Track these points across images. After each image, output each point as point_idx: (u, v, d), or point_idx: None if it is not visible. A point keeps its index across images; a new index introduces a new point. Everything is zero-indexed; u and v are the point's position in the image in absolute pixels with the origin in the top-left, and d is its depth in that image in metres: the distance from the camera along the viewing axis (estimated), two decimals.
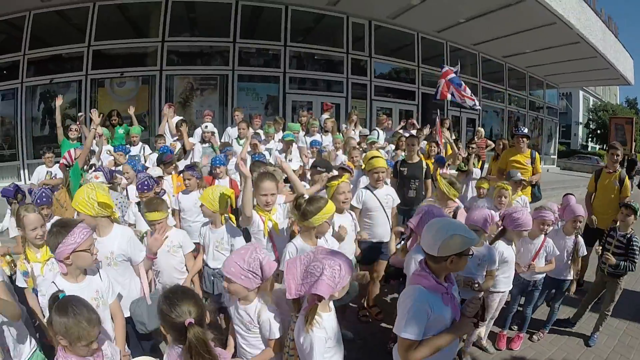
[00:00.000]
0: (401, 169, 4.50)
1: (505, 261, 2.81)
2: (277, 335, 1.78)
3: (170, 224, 2.91)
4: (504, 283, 2.87)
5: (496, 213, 3.07)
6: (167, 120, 5.91)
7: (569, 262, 3.27)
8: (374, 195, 3.34)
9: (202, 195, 2.71)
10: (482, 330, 3.13)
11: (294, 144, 5.31)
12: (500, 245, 2.83)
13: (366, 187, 3.43)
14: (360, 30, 9.99)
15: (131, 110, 6.11)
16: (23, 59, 8.44)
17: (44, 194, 2.89)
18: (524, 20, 9.42)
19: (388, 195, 3.43)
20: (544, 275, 3.18)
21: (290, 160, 4.94)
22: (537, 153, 4.95)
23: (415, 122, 7.31)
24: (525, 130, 4.91)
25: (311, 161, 4.62)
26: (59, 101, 5.72)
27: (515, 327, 3.41)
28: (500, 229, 2.91)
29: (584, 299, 3.61)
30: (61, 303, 1.54)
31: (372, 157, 3.48)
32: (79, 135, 5.60)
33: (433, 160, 5.29)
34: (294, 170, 3.52)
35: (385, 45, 10.32)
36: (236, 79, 8.56)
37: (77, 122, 5.97)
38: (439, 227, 1.64)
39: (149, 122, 7.95)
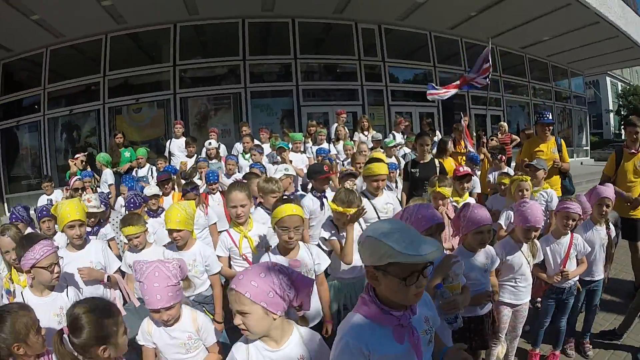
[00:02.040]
0: (412, 170, 4.10)
1: (511, 267, 2.40)
2: None
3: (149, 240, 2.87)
4: (512, 293, 2.44)
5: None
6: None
7: (600, 257, 2.77)
8: (371, 204, 2.97)
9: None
10: (500, 349, 2.64)
11: (289, 153, 5.22)
12: (498, 246, 2.44)
13: (363, 194, 3.03)
14: (371, 35, 9.77)
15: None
16: (44, 92, 8.76)
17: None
18: (538, 6, 8.94)
19: (388, 204, 3.06)
20: (577, 279, 2.68)
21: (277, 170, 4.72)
22: (562, 140, 4.51)
23: (403, 120, 7.20)
24: (550, 117, 4.46)
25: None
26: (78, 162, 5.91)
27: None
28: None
29: (632, 304, 3.03)
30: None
31: (372, 162, 3.14)
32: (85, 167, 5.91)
33: (465, 159, 4.96)
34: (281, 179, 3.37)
35: (398, 49, 10.04)
36: (249, 96, 8.54)
37: (85, 153, 6.32)
38: (373, 232, 1.16)
39: (165, 148, 8.00)
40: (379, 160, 3.26)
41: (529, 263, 2.47)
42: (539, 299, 3.00)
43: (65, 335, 1.37)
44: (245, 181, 3.47)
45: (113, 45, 8.55)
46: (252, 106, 8.53)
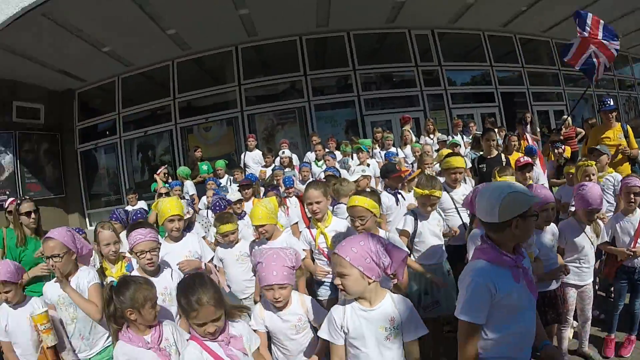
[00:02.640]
0: (479, 166, 4.26)
1: (575, 248, 2.45)
2: None
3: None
4: (576, 274, 2.48)
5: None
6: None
7: None
8: (450, 196, 3.15)
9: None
10: (569, 332, 2.67)
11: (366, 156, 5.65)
12: (562, 227, 2.48)
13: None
14: (425, 40, 9.70)
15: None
16: (118, 117, 9.46)
17: None
18: None
19: (465, 196, 3.15)
20: None
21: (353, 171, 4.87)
22: (628, 126, 4.47)
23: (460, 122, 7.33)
24: (612, 102, 4.49)
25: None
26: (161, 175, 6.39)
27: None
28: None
29: None
30: (119, 282, 1.78)
31: (450, 156, 3.30)
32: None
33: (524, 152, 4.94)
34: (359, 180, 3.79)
35: (453, 51, 9.90)
36: (313, 109, 8.76)
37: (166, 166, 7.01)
38: (492, 190, 1.44)
39: (237, 160, 8.36)
40: (456, 154, 3.44)
41: (592, 244, 2.53)
42: (612, 288, 2.95)
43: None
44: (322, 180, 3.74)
45: (180, 69, 9.09)
46: (317, 118, 8.74)
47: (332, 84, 9.23)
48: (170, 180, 6.31)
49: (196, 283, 1.58)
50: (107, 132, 9.79)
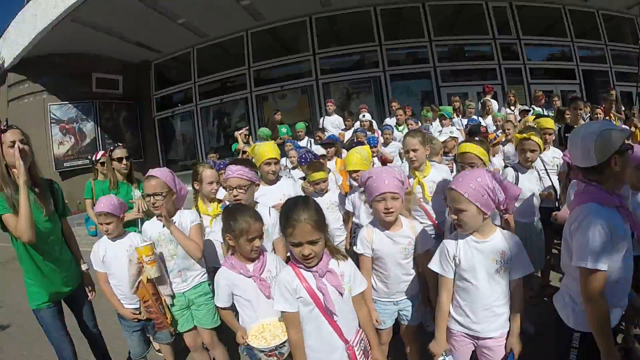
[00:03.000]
0: (566, 135, 4.17)
1: None
2: None
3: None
4: None
5: None
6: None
7: None
8: (540, 157, 2.97)
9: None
10: None
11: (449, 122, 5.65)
12: None
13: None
14: (503, 13, 9.35)
15: None
16: (194, 86, 9.86)
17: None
18: None
19: (555, 158, 3.15)
20: None
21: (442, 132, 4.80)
22: None
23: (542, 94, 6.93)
24: None
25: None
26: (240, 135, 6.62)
27: None
28: None
29: None
30: (229, 208, 1.86)
31: (539, 117, 3.31)
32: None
33: None
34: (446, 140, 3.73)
35: (533, 25, 9.49)
36: (389, 80, 8.76)
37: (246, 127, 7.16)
38: (583, 133, 1.37)
39: (311, 128, 8.49)
40: (546, 116, 3.39)
41: None
42: None
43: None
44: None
45: (254, 40, 9.32)
46: (392, 88, 8.72)
47: (408, 54, 9.14)
48: (250, 142, 6.50)
49: (299, 201, 1.55)
50: (183, 101, 10.23)
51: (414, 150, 2.63)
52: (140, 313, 2.28)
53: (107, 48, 10.03)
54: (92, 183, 3.94)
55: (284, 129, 7.07)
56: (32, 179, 2.08)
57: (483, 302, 1.56)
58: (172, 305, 2.23)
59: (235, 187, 2.14)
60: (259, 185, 2.32)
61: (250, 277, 1.75)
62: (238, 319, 1.87)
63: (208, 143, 9.67)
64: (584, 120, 4.53)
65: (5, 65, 10.31)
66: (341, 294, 1.52)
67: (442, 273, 1.64)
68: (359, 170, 2.70)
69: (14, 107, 10.44)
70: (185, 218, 2.24)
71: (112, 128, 10.73)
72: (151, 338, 2.61)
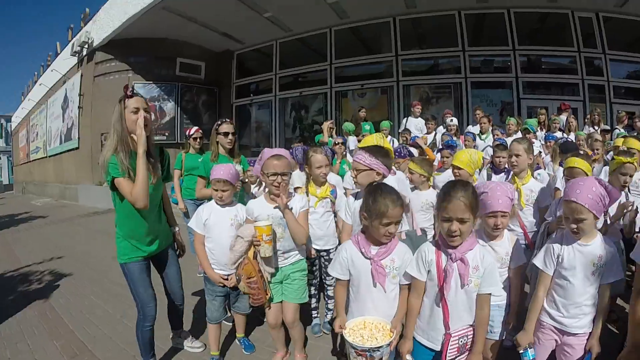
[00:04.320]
0: None
1: None
2: None
3: None
4: None
5: None
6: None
7: None
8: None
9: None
10: None
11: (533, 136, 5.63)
12: None
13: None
14: (589, 25, 9.19)
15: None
16: (275, 77, 10.39)
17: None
18: None
19: None
20: None
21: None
22: None
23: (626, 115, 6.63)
24: None
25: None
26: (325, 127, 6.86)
27: None
28: None
29: None
30: (373, 187, 1.76)
31: (626, 137, 3.27)
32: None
33: None
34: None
35: (618, 39, 9.24)
36: (470, 87, 8.86)
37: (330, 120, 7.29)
38: None
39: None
40: (637, 137, 3.39)
41: None
42: None
43: None
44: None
45: (337, 37, 9.69)
46: (473, 96, 8.84)
47: (491, 62, 9.17)
48: (334, 135, 6.91)
49: (458, 182, 1.66)
50: (262, 91, 10.74)
51: (517, 156, 2.72)
52: (226, 279, 2.33)
53: (192, 36, 10.73)
54: (182, 155, 4.28)
55: (367, 126, 7.40)
56: (147, 146, 2.09)
57: (575, 300, 1.68)
58: (270, 282, 2.26)
59: (354, 169, 2.21)
60: (380, 175, 2.18)
61: (369, 258, 1.69)
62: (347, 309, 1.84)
63: (283, 133, 10.22)
64: None
65: (94, 44, 11.25)
66: (462, 285, 1.57)
67: (543, 269, 1.76)
68: (462, 169, 2.87)
69: (99, 83, 11.40)
70: (295, 203, 2.24)
71: (191, 109, 11.55)
72: (228, 308, 2.73)
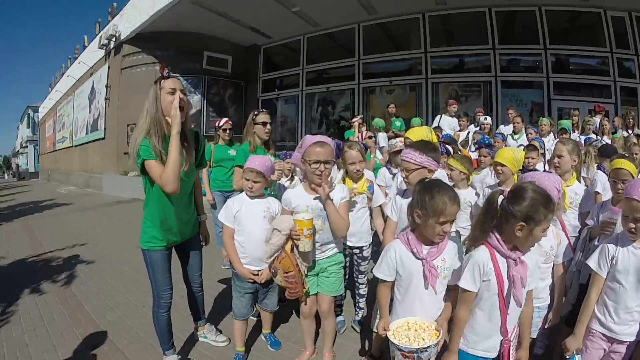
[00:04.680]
0: None
1: None
2: None
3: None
4: None
5: None
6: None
7: None
8: None
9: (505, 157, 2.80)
10: None
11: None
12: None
13: None
14: (622, 24, 9.04)
15: None
16: (302, 72, 10.50)
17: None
18: None
19: None
20: None
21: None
22: None
23: None
24: None
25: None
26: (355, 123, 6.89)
27: None
28: None
29: None
30: (428, 183, 1.67)
31: None
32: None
33: None
34: None
35: None
36: (499, 86, 8.79)
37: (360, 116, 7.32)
38: None
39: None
40: None
41: None
42: None
43: (502, 197, 1.50)
44: None
45: (365, 33, 9.73)
46: (502, 96, 8.78)
47: (521, 61, 9.07)
48: (363, 130, 6.98)
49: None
50: (289, 85, 10.78)
51: (560, 157, 2.67)
52: (257, 274, 2.25)
53: (220, 30, 10.86)
54: (212, 147, 4.21)
55: (397, 123, 7.41)
56: (183, 131, 2.03)
57: (627, 305, 1.63)
58: (306, 275, 2.19)
59: (404, 169, 2.12)
60: (432, 172, 2.14)
61: (420, 259, 1.63)
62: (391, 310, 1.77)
63: (309, 128, 10.33)
64: None
65: (122, 37, 11.49)
66: (523, 287, 1.50)
67: (597, 271, 1.71)
68: (504, 166, 2.75)
69: (126, 75, 11.66)
70: (336, 193, 2.14)
71: (217, 103, 11.74)
72: (256, 304, 2.62)
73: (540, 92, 8.73)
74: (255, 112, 3.09)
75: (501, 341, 1.53)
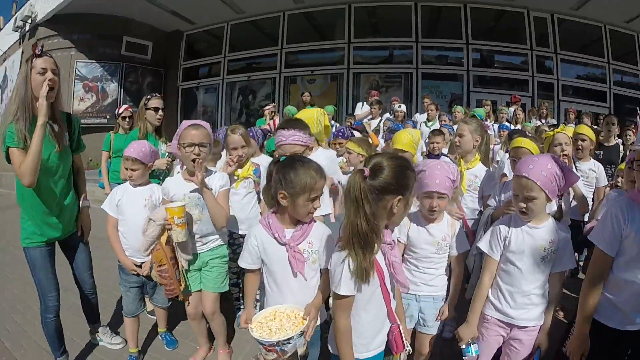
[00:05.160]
0: (597, 152, 3.93)
1: None
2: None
3: None
4: None
5: None
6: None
7: None
8: (575, 166, 2.89)
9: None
10: None
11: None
12: None
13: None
14: (543, 25, 9.23)
15: None
16: (224, 60, 9.88)
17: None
18: None
19: (591, 170, 2.97)
20: None
21: None
22: None
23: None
24: None
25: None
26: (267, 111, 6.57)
27: None
28: None
29: None
30: (287, 160, 1.50)
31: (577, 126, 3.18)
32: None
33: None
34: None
35: (571, 41, 9.35)
36: (420, 77, 8.70)
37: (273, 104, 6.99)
38: None
39: (340, 117, 8.49)
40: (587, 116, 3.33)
41: None
42: None
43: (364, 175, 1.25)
44: None
45: (290, 22, 9.31)
46: (423, 87, 8.67)
47: (443, 54, 9.05)
48: (276, 119, 6.46)
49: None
50: (211, 73, 10.21)
51: (461, 136, 2.57)
52: (140, 266, 2.15)
53: (141, 13, 10.06)
54: (111, 136, 3.99)
55: None
56: (52, 113, 1.91)
57: (523, 289, 1.55)
58: (187, 270, 2.08)
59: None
60: (312, 148, 2.11)
61: (283, 244, 1.46)
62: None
63: (229, 118, 9.70)
64: (616, 139, 4.34)
65: (38, 19, 10.37)
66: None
67: (489, 253, 1.62)
68: (406, 152, 2.61)
69: None
70: (214, 181, 2.04)
71: (135, 91, 10.75)
72: (147, 298, 2.51)
73: (460, 85, 8.73)
74: (148, 97, 3.02)
75: (390, 328, 1.39)
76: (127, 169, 2.16)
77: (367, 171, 1.23)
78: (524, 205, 1.51)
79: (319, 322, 1.54)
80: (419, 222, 1.83)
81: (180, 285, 2.02)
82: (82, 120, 10.45)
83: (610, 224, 1.41)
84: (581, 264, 3.69)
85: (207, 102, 10.22)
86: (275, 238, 1.48)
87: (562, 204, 2.16)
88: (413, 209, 2.23)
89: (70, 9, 9.41)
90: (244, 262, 1.57)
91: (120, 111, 4.05)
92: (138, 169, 2.15)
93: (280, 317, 1.44)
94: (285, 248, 1.46)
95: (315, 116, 2.42)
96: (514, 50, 9.12)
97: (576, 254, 3.75)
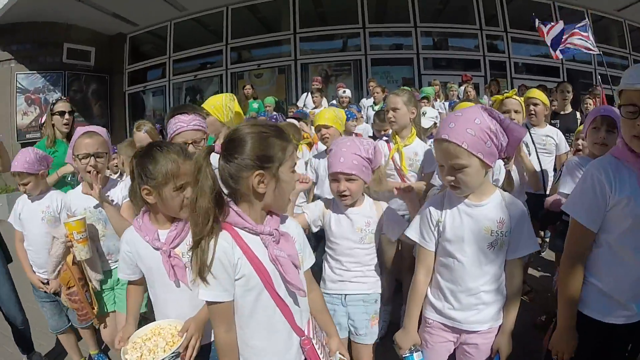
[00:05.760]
0: (552, 121, 3.90)
1: None
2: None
3: None
4: None
5: None
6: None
7: None
8: (530, 135, 2.67)
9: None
10: None
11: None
12: None
13: (525, 125, 2.73)
14: (492, 5, 9.16)
15: None
16: (169, 60, 9.50)
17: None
18: None
19: (548, 137, 2.72)
20: None
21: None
22: None
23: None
24: None
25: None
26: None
27: None
28: None
29: None
30: (144, 149, 1.32)
31: (531, 90, 2.99)
32: None
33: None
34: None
35: (521, 19, 9.29)
36: (369, 63, 8.51)
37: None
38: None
39: (286, 108, 8.21)
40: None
41: None
42: None
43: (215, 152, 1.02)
44: None
45: (234, 16, 8.98)
46: (373, 73, 8.45)
47: (392, 39, 8.90)
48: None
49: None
50: (157, 75, 9.86)
51: (394, 110, 2.29)
52: (47, 283, 2.02)
53: (81, 18, 9.55)
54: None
55: (255, 104, 6.81)
56: None
57: (468, 286, 1.23)
58: (100, 290, 1.92)
59: (191, 143, 1.67)
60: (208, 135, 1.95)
61: (157, 248, 1.25)
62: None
63: None
64: (571, 108, 4.27)
65: None
66: (297, 268, 1.08)
67: (420, 243, 1.30)
68: (329, 127, 2.42)
69: None
70: (117, 192, 1.90)
71: (80, 100, 10.17)
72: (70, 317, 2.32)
73: (410, 69, 8.58)
74: (53, 101, 2.87)
75: (299, 342, 1.09)
76: (19, 184, 2.05)
77: (217, 146, 1.02)
78: (452, 178, 1.17)
79: (212, 339, 1.25)
80: (336, 209, 1.59)
81: (93, 308, 1.87)
82: (27, 136, 10.11)
83: (591, 191, 1.12)
84: (547, 240, 3.42)
85: (155, 105, 9.82)
86: (148, 242, 1.27)
87: (513, 171, 1.87)
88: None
89: (7, 19, 8.87)
90: (121, 272, 1.38)
91: (43, 120, 3.78)
92: (29, 181, 2.01)
93: (164, 334, 1.21)
94: (159, 252, 1.26)
95: (223, 102, 2.28)
96: (463, 32, 9.02)
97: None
